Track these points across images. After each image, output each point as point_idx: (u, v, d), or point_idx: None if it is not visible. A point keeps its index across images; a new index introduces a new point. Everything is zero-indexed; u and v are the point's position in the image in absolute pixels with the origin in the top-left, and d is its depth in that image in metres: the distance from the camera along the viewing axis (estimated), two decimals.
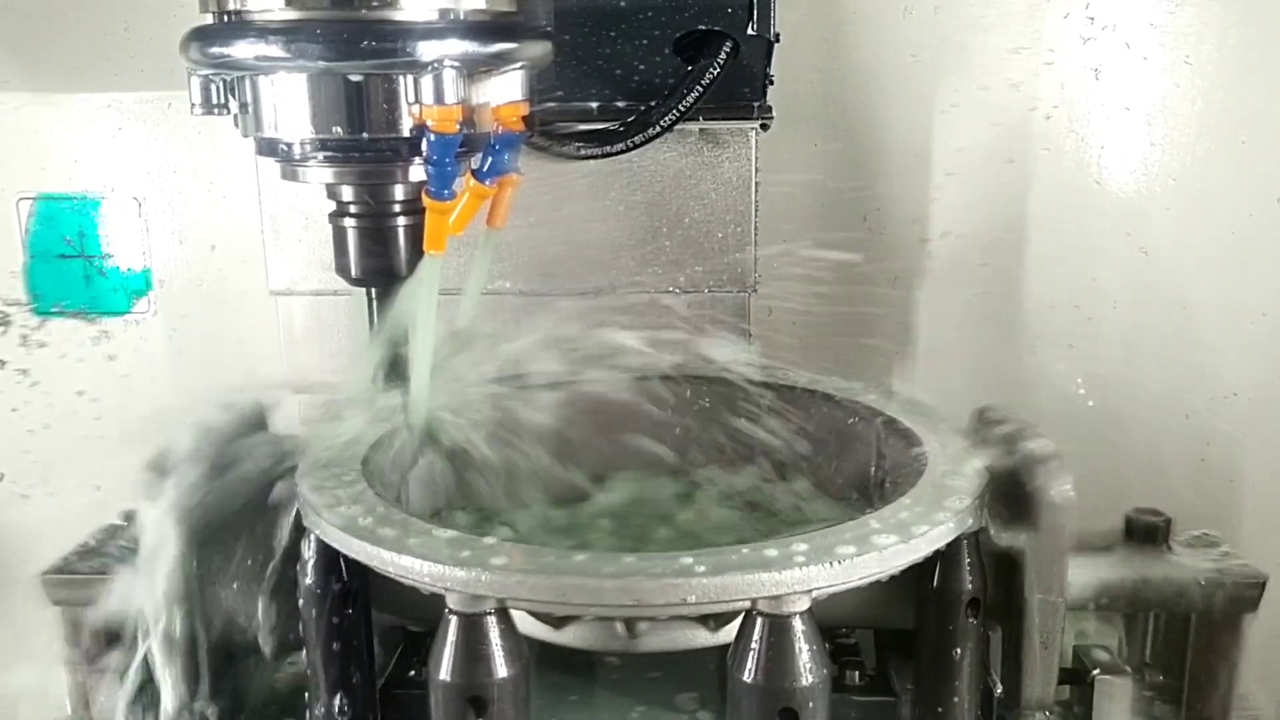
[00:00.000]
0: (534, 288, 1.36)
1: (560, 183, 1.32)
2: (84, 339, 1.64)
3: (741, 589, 0.78)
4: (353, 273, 1.09)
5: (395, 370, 1.08)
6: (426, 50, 0.94)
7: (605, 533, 1.12)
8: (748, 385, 1.16)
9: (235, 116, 1.03)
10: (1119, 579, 0.99)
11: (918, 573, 0.90)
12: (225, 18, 0.97)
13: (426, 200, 0.99)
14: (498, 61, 0.99)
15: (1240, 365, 1.57)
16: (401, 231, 1.06)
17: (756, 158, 1.32)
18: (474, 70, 0.98)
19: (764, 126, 1.31)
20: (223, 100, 1.02)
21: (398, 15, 0.94)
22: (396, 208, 1.05)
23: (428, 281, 1.02)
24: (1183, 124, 1.52)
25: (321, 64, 0.94)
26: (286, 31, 0.93)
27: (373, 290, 1.11)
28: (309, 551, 0.93)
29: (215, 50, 0.96)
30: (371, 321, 1.12)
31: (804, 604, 0.80)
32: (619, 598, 0.78)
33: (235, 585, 0.97)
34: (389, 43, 0.93)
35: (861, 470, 1.12)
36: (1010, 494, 0.92)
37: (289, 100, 0.98)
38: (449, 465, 1.10)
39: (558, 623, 0.90)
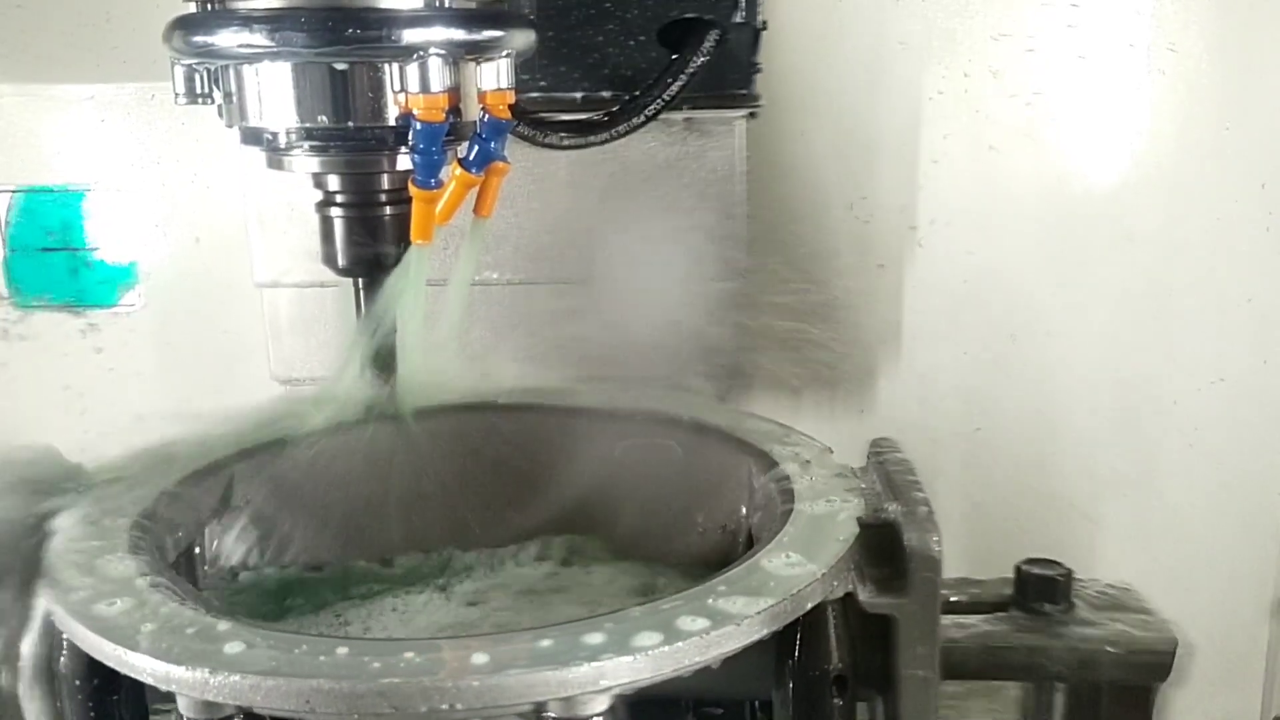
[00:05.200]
0: (521, 278, 1.35)
1: (547, 173, 1.31)
2: (70, 332, 1.63)
3: (520, 691, 0.65)
4: (339, 262, 1.08)
5: (381, 361, 1.08)
6: (412, 37, 0.93)
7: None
8: (593, 412, 1.07)
9: (219, 106, 1.02)
10: (1012, 647, 0.87)
11: (777, 644, 0.79)
12: (209, 6, 0.97)
13: (413, 189, 0.99)
14: (483, 49, 0.99)
15: (1226, 351, 1.58)
16: (388, 221, 1.05)
17: (743, 146, 1.32)
18: (460, 58, 0.97)
19: (752, 115, 1.31)
20: (207, 90, 1.01)
21: (383, 3, 0.94)
22: (383, 197, 1.05)
23: (415, 271, 1.02)
24: (1167, 110, 1.52)
25: (306, 52, 0.93)
26: (270, 19, 0.93)
27: (359, 281, 1.11)
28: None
29: (199, 39, 0.96)
30: (358, 312, 1.11)
31: (602, 704, 0.67)
32: (376, 704, 0.65)
33: None
34: (374, 30, 0.93)
35: (721, 519, 1.00)
36: (884, 551, 0.80)
37: (273, 89, 0.97)
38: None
39: None
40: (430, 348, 1.07)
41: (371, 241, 1.06)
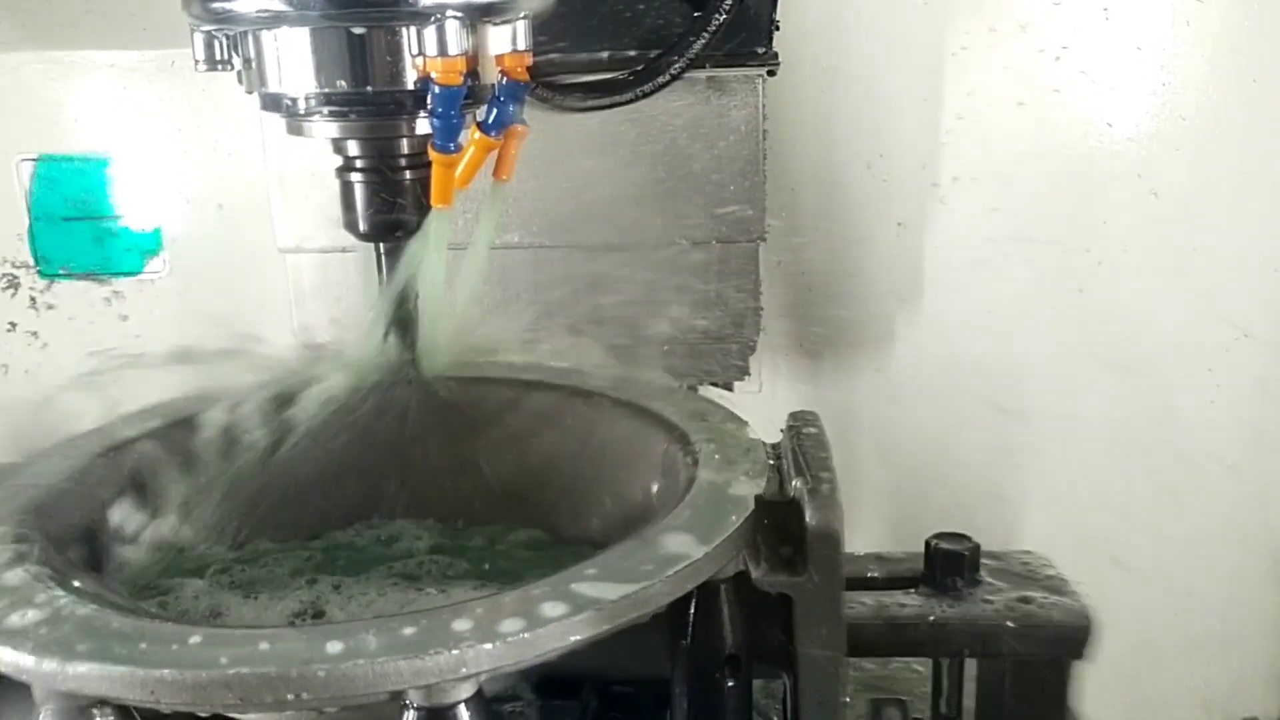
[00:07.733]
0: (542, 241, 1.35)
1: (566, 135, 1.31)
2: (95, 300, 1.64)
3: (371, 681, 0.63)
4: (360, 228, 1.08)
5: (402, 326, 1.08)
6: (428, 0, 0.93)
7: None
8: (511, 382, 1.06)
9: (239, 73, 1.02)
10: (913, 623, 0.85)
11: (669, 623, 0.76)
12: None
13: (432, 153, 0.99)
14: (501, 10, 0.98)
15: (1252, 308, 1.57)
16: (409, 186, 1.05)
17: (764, 105, 1.31)
18: (477, 20, 0.97)
19: (770, 73, 1.30)
20: (226, 56, 1.01)
21: None
22: (403, 162, 1.04)
23: (435, 235, 1.02)
24: (1193, 64, 1.50)
25: (323, 16, 0.93)
26: None
27: (380, 246, 1.11)
28: None
29: (216, 5, 0.95)
30: (380, 278, 1.11)
31: (465, 691, 0.65)
32: (220, 695, 0.63)
33: None
34: None
35: (635, 496, 0.96)
36: (787, 529, 0.77)
37: (292, 54, 0.97)
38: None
39: None
40: (451, 312, 1.08)
41: (392, 206, 1.06)
